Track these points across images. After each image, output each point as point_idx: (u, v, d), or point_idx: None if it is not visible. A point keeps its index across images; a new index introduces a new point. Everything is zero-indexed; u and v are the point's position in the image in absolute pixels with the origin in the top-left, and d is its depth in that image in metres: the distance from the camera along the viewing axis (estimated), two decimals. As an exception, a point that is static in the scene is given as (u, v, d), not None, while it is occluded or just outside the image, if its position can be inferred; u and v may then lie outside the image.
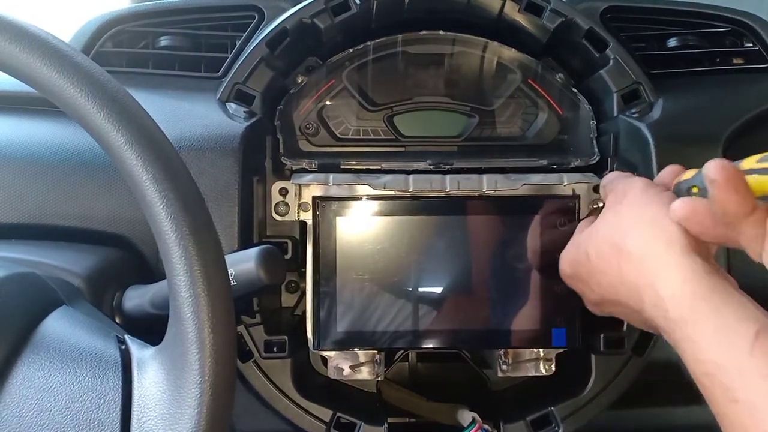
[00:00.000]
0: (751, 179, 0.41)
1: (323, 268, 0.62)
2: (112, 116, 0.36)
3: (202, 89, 0.66)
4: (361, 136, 0.70)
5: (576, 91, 0.69)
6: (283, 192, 0.64)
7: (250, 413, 0.63)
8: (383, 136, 0.70)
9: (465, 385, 0.70)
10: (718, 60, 0.72)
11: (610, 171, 0.64)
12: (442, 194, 0.63)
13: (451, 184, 0.63)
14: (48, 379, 0.38)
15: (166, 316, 0.38)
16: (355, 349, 0.63)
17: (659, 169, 0.59)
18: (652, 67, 0.68)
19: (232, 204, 0.59)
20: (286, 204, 0.64)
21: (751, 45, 0.72)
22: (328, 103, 0.70)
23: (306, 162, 0.65)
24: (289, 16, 0.65)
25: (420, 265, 0.62)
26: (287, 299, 0.68)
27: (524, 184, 0.63)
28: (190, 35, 0.70)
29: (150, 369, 0.38)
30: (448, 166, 0.64)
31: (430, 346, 0.63)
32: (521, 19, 0.66)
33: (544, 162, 0.66)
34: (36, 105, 0.66)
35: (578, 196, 0.63)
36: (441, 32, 0.69)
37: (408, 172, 0.64)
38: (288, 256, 0.64)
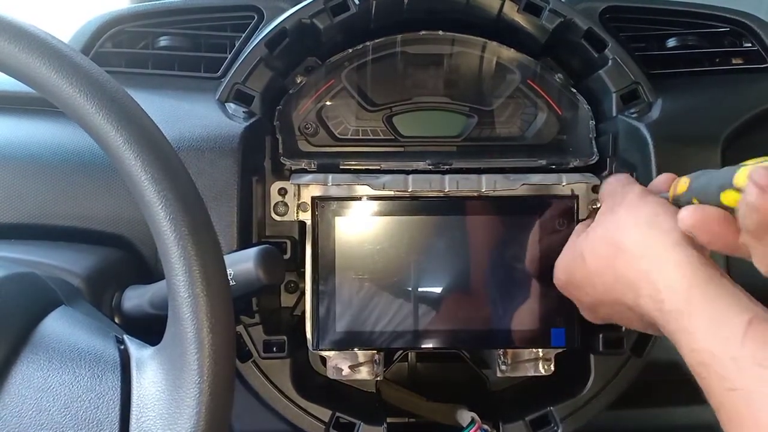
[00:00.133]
0: None
1: (322, 268, 0.62)
2: (111, 116, 0.36)
3: (202, 89, 0.66)
4: (361, 137, 0.70)
5: (575, 91, 0.69)
6: (282, 192, 0.64)
7: (249, 413, 0.63)
8: (382, 137, 0.70)
9: (464, 385, 0.70)
10: (717, 60, 0.72)
11: (609, 171, 0.64)
12: (441, 194, 0.63)
13: (450, 184, 0.63)
14: (47, 379, 0.38)
15: (165, 316, 0.38)
16: (355, 349, 0.63)
17: (658, 169, 0.59)
18: (651, 67, 0.68)
19: (231, 204, 0.59)
20: (285, 204, 0.64)
21: (750, 45, 0.72)
22: (327, 103, 0.70)
23: (305, 162, 0.65)
24: (288, 17, 0.65)
25: (419, 265, 0.62)
26: (286, 299, 0.68)
27: (523, 184, 0.63)
28: (189, 35, 0.70)
29: (149, 369, 0.38)
30: (448, 166, 0.64)
31: (430, 346, 0.63)
32: (520, 19, 0.66)
33: (543, 162, 0.66)
34: (35, 105, 0.66)
35: (577, 197, 0.63)
36: (440, 32, 0.69)
37: (407, 172, 0.64)
38: (287, 256, 0.64)
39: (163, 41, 0.70)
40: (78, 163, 0.62)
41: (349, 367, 0.63)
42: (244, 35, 0.68)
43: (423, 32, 0.69)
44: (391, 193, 0.62)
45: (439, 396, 0.66)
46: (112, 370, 0.39)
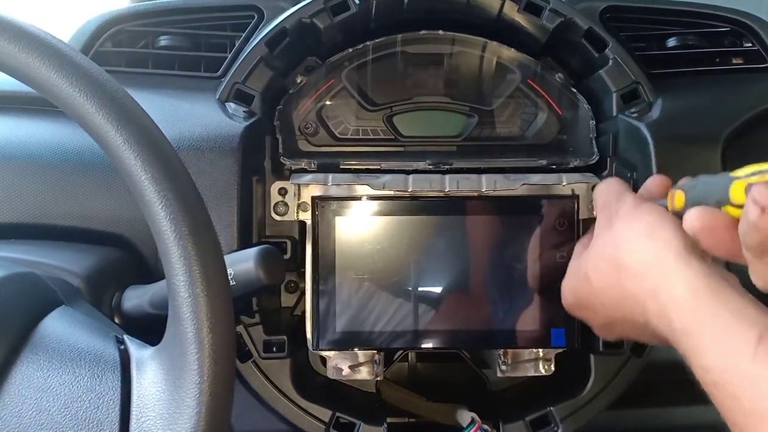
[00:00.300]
0: None
1: (322, 268, 0.62)
2: (111, 116, 0.36)
3: (202, 89, 0.66)
4: (361, 136, 0.70)
5: (575, 91, 0.69)
6: (283, 192, 0.64)
7: (249, 413, 0.63)
8: (382, 136, 0.70)
9: (464, 385, 0.70)
10: (717, 60, 0.72)
11: (609, 171, 0.64)
12: (441, 194, 0.63)
13: (450, 184, 0.63)
14: (47, 379, 0.38)
15: (165, 316, 0.38)
16: (354, 349, 0.63)
17: (659, 168, 0.59)
18: (652, 67, 0.68)
19: (232, 204, 0.59)
20: (286, 204, 0.64)
21: (750, 45, 0.72)
22: (327, 102, 0.70)
23: (305, 162, 0.64)
24: (288, 16, 0.65)
25: (419, 265, 0.62)
26: (286, 299, 0.68)
27: (523, 184, 0.63)
28: (189, 35, 0.70)
29: (149, 369, 0.38)
30: (448, 166, 0.64)
31: (430, 346, 0.63)
32: (520, 18, 0.65)
33: (544, 162, 0.66)
34: (35, 105, 0.66)
35: (577, 196, 0.63)
36: (440, 32, 0.69)
37: (407, 172, 0.64)
38: (287, 256, 0.64)
39: (163, 41, 0.70)
40: (78, 163, 0.62)
41: (349, 367, 0.63)
42: (244, 35, 0.68)
43: (423, 32, 0.69)
44: (392, 192, 0.62)
45: (439, 396, 0.66)
46: (112, 370, 0.39)
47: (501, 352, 0.64)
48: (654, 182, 0.53)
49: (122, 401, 0.38)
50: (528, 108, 0.71)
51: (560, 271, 0.57)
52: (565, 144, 0.70)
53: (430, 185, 0.63)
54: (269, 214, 0.64)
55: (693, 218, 0.43)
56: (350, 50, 0.69)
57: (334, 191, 0.63)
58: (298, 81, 0.69)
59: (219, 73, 0.67)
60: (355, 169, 0.65)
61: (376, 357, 0.63)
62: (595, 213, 0.56)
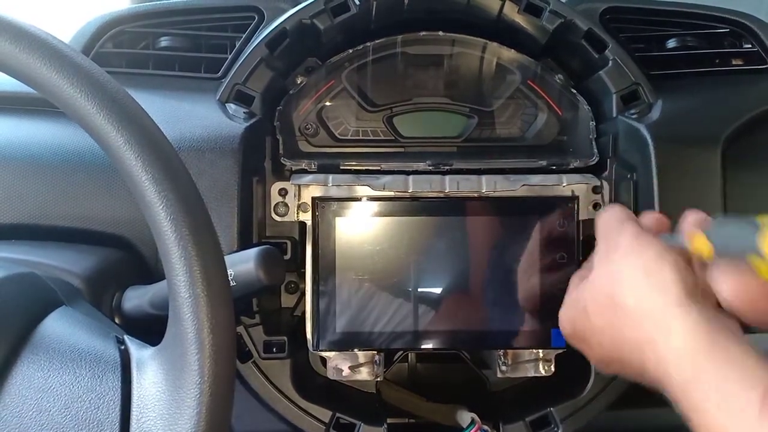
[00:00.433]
0: None
1: (322, 268, 0.62)
2: (111, 117, 0.36)
3: (202, 90, 0.66)
4: (361, 137, 0.70)
5: (575, 92, 0.69)
6: (283, 192, 0.64)
7: (250, 414, 0.63)
8: (383, 137, 0.70)
9: (464, 386, 0.70)
10: (717, 61, 0.72)
11: (609, 172, 0.65)
12: (441, 195, 0.63)
13: (450, 185, 0.63)
14: (47, 379, 0.38)
15: (165, 317, 0.38)
16: (355, 349, 0.63)
17: (659, 169, 0.59)
18: (651, 68, 0.68)
19: (232, 204, 0.59)
20: (286, 204, 0.64)
21: (749, 46, 0.72)
22: (327, 103, 0.70)
23: (305, 163, 0.65)
24: (288, 17, 0.65)
25: (419, 266, 0.62)
26: (287, 300, 0.68)
27: (523, 185, 0.63)
28: (190, 36, 0.70)
29: (149, 369, 0.38)
30: (448, 167, 0.64)
31: (430, 346, 0.63)
32: (520, 19, 0.66)
33: (544, 163, 0.66)
34: (36, 105, 0.66)
35: (577, 197, 0.63)
36: (440, 33, 0.69)
37: (407, 173, 0.64)
38: (287, 257, 0.64)
39: (163, 42, 0.70)
40: (78, 163, 0.62)
41: (349, 367, 0.63)
42: (244, 36, 0.68)
43: (423, 33, 0.69)
44: (392, 193, 0.62)
45: (439, 396, 0.66)
46: (112, 370, 0.39)
47: (501, 352, 0.64)
48: (651, 220, 0.51)
49: (123, 401, 0.38)
50: (528, 109, 0.71)
51: (560, 271, 0.57)
52: (565, 145, 0.70)
53: (430, 186, 0.63)
54: (269, 214, 0.64)
55: (726, 284, 0.40)
56: (350, 51, 0.69)
57: (335, 192, 0.63)
58: (299, 82, 0.69)
59: (219, 74, 0.67)
60: (355, 169, 0.65)
61: (376, 357, 0.63)
62: (596, 238, 0.54)
